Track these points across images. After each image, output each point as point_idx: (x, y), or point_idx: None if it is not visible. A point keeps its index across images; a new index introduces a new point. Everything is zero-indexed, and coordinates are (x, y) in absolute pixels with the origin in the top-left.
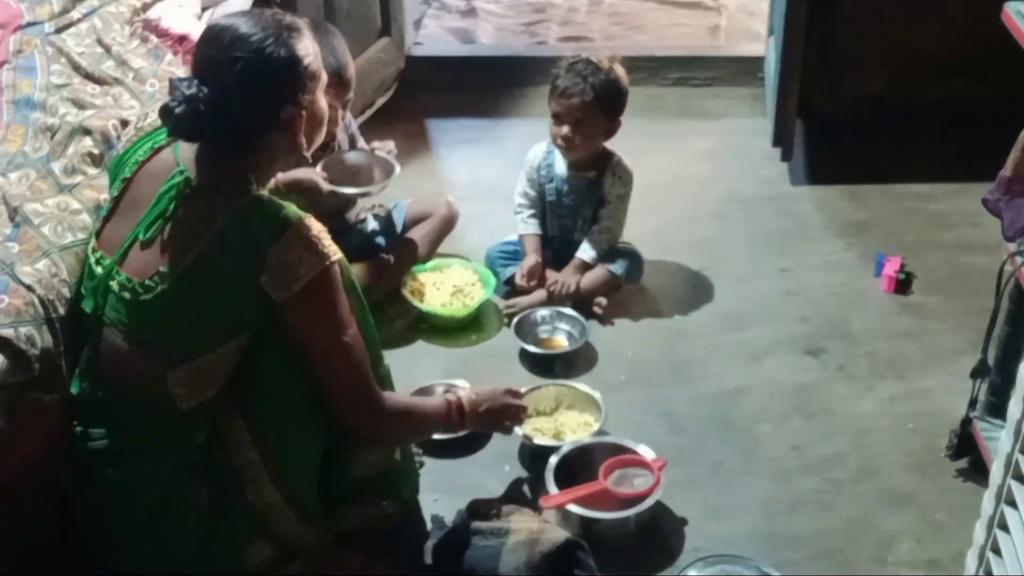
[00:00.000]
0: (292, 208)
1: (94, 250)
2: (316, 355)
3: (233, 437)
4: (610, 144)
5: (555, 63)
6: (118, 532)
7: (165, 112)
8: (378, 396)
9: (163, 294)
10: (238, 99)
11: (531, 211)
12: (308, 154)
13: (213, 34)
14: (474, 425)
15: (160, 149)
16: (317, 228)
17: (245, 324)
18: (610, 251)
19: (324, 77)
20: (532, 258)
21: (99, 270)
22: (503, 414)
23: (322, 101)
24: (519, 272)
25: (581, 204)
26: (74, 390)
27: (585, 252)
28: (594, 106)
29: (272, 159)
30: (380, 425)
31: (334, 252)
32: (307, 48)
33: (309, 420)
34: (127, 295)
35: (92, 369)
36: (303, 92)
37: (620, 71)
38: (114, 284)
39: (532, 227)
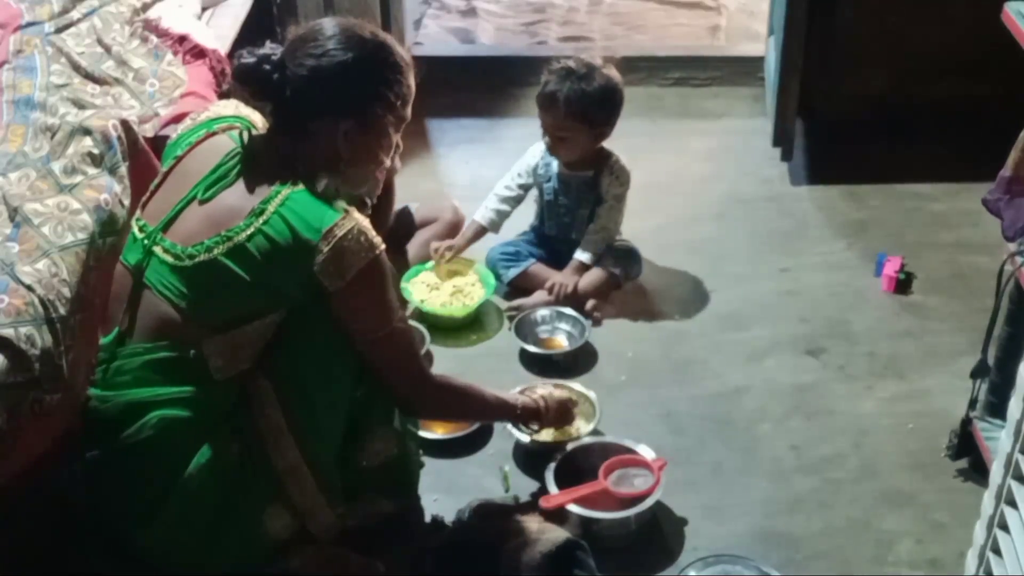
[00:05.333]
0: (340, 201)
1: (137, 219)
2: (368, 342)
3: (259, 398)
4: (609, 144)
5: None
6: (139, 494)
7: (239, 60)
8: (425, 376)
9: (206, 264)
10: (309, 81)
11: (497, 204)
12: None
13: (325, 24)
14: (552, 422)
15: (213, 134)
16: (364, 219)
17: (285, 301)
18: (608, 250)
19: (405, 117)
20: (457, 240)
21: (141, 235)
22: (570, 410)
23: (387, 142)
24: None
25: (579, 203)
26: (106, 340)
27: (582, 253)
28: (570, 120)
29: (313, 158)
30: (424, 400)
31: (380, 242)
32: (405, 84)
33: (335, 386)
34: (170, 259)
35: (129, 321)
36: (372, 116)
37: (611, 75)
38: (158, 249)
39: (483, 216)
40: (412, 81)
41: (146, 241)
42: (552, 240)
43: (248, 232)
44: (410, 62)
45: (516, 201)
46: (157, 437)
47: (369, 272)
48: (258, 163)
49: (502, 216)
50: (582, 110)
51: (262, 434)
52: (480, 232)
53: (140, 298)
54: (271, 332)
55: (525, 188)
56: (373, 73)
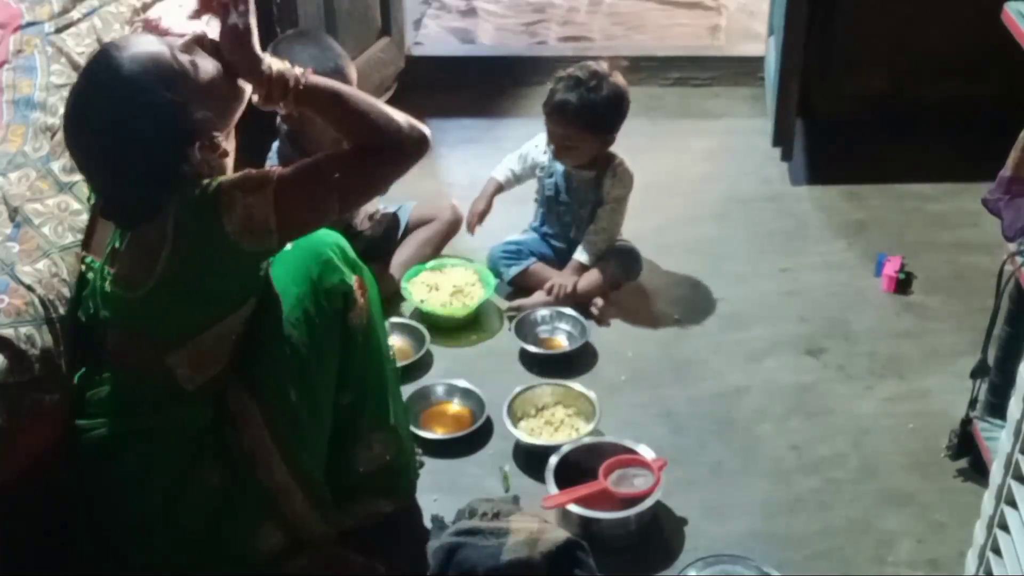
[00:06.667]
0: (204, 180)
1: (85, 257)
2: (344, 205)
3: (243, 416)
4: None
5: (555, 64)
6: (126, 522)
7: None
8: (363, 157)
9: (150, 293)
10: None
11: (508, 171)
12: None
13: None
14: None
15: None
16: (217, 176)
17: (237, 297)
18: (608, 250)
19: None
20: (480, 202)
21: (91, 275)
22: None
23: (225, 120)
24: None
25: (579, 202)
26: (75, 380)
27: (581, 254)
28: (579, 130)
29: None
30: (396, 153)
31: (265, 173)
32: (191, 102)
33: (317, 396)
34: (119, 291)
35: (94, 358)
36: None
37: (619, 83)
38: (106, 284)
39: (499, 174)
40: (199, 74)
41: (98, 281)
42: (552, 238)
43: (170, 249)
44: (183, 68)
45: (516, 179)
46: (136, 472)
47: (283, 204)
48: None
49: (513, 178)
50: (592, 120)
51: (248, 454)
52: (498, 188)
53: (104, 336)
54: (236, 330)
55: (516, 177)
56: (172, 137)
